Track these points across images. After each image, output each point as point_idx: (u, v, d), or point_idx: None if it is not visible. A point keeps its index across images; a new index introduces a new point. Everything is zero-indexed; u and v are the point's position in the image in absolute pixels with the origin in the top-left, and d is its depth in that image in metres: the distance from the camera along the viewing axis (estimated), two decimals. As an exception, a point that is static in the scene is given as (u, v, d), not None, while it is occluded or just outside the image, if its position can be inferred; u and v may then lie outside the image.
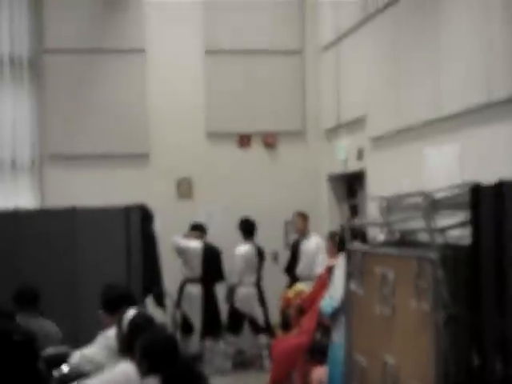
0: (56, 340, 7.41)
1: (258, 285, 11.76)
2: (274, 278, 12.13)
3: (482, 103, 8.32)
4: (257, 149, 13.61)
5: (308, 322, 10.19)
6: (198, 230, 12.05)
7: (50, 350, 6.66)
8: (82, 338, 6.97)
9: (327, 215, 13.53)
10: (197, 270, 11.72)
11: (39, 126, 12.85)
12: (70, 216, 10.37)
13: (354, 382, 7.90)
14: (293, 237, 12.61)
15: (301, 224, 11.97)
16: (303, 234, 11.90)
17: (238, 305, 11.73)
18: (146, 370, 4.94)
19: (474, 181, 6.11)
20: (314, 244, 11.78)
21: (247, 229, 11.80)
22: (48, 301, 8.32)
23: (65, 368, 6.33)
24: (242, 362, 11.90)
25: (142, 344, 5.12)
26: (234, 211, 12.38)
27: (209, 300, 11.83)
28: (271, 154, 13.72)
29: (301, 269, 11.83)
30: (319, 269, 11.06)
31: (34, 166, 12.82)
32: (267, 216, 12.35)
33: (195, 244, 11.63)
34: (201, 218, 12.26)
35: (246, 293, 11.58)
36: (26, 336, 4.59)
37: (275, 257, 12.92)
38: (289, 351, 10.26)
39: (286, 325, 11.63)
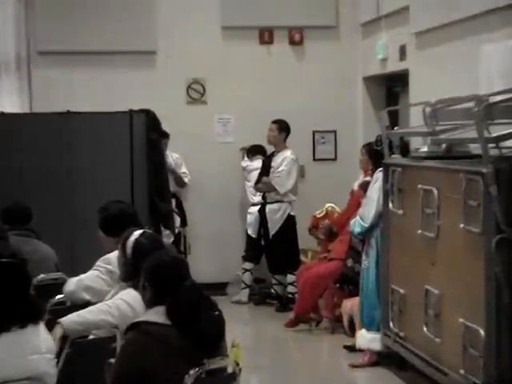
0: (51, 265, 7.29)
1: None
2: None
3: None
4: (281, 46, 12.85)
5: (339, 247, 10.20)
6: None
7: (43, 276, 6.63)
8: (80, 264, 7.08)
9: (362, 124, 12.93)
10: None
11: (26, 20, 12.13)
12: (64, 122, 10.36)
13: (391, 312, 7.89)
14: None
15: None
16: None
17: None
18: (151, 298, 4.77)
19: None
20: None
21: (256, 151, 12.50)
22: (43, 220, 8.21)
23: (59, 296, 6.19)
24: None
25: (147, 269, 4.91)
26: (253, 119, 12.27)
27: None
28: (297, 53, 12.96)
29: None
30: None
31: (21, 66, 12.35)
32: (293, 125, 11.84)
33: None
34: (214, 127, 12.56)
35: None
36: (15, 258, 4.38)
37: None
38: (316, 280, 10.29)
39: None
